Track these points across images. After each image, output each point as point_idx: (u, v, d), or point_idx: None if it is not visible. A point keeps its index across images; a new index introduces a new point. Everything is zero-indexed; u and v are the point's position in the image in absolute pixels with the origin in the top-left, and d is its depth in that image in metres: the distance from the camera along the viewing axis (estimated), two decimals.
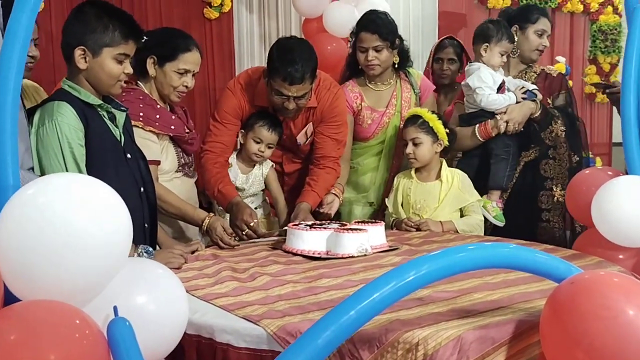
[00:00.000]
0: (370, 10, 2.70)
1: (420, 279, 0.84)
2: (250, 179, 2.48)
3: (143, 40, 2.13)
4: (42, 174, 1.64)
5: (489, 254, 0.90)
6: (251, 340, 1.17)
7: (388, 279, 0.82)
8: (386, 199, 2.54)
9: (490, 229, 2.47)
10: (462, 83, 2.64)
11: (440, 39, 3.28)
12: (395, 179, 2.53)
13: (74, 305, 0.97)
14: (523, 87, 2.54)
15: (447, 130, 2.42)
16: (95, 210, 0.98)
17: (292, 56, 2.18)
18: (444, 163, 2.45)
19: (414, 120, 2.44)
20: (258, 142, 2.40)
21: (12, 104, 1.06)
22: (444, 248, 1.88)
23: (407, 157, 2.43)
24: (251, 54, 4.40)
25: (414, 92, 2.69)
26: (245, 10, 4.35)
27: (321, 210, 2.44)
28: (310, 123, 2.47)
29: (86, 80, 1.73)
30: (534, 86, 2.57)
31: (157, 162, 2.10)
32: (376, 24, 2.52)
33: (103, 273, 0.99)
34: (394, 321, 1.12)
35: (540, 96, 2.54)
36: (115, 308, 1.00)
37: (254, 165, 2.48)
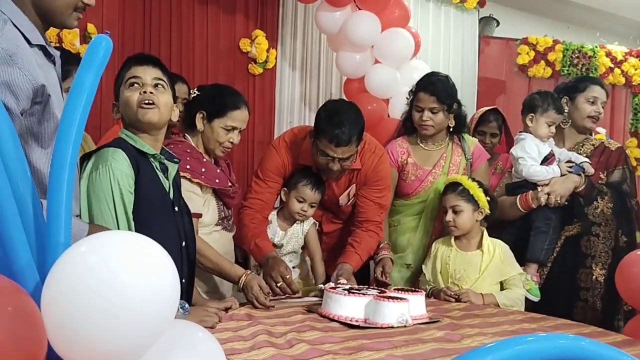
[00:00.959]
0: (432, 72, 2.74)
1: None
2: (289, 235, 2.45)
3: (194, 95, 2.19)
4: (91, 217, 1.65)
5: (557, 346, 0.85)
6: None
7: None
8: (423, 266, 2.47)
9: (532, 304, 2.37)
10: (510, 152, 2.62)
11: (483, 110, 3.26)
12: (434, 245, 2.47)
13: None
14: (570, 161, 2.48)
15: (488, 198, 2.38)
16: (146, 272, 0.96)
17: (339, 118, 2.19)
18: (485, 232, 2.40)
19: (453, 187, 2.40)
20: (301, 202, 2.39)
21: (71, 163, 1.06)
22: (486, 322, 1.84)
23: (447, 225, 2.38)
24: (291, 111, 4.48)
25: (465, 157, 2.64)
26: (288, 67, 4.45)
27: (380, 278, 2.43)
28: (354, 185, 2.45)
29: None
30: (584, 159, 2.51)
31: (199, 215, 2.10)
32: (435, 87, 2.52)
33: (149, 336, 0.96)
34: None
35: (590, 170, 2.47)
36: None
37: (294, 222, 2.46)
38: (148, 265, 0.97)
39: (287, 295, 2.13)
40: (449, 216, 2.36)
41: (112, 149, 1.70)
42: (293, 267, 2.40)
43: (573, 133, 2.65)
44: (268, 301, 2.01)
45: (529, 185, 2.49)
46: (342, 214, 2.57)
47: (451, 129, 2.62)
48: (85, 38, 3.62)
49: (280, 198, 2.48)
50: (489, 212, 2.37)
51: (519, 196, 2.49)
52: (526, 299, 2.37)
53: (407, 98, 2.66)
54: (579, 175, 2.45)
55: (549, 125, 2.51)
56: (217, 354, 1.11)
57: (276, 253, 2.31)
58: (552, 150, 2.52)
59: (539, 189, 2.44)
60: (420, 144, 2.65)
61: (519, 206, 2.48)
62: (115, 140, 1.77)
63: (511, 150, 2.57)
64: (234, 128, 2.16)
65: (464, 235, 2.39)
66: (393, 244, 2.66)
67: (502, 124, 3.15)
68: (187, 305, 1.71)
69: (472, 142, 2.71)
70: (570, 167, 2.46)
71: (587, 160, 2.50)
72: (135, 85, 1.74)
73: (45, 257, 1.03)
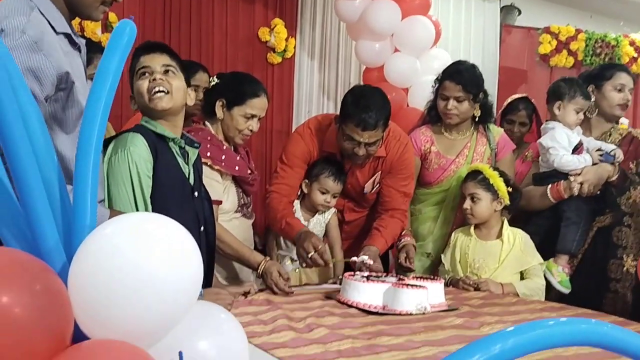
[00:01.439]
0: (459, 61, 2.70)
1: (507, 352, 0.79)
2: (311, 225, 2.47)
3: (214, 83, 2.20)
4: (110, 200, 1.68)
5: (580, 330, 0.84)
6: None
7: (473, 350, 0.78)
8: (442, 255, 2.47)
9: (559, 295, 2.35)
10: (538, 142, 2.57)
11: (513, 98, 3.17)
12: (453, 234, 2.47)
13: (140, 346, 0.95)
14: (600, 149, 2.43)
15: (510, 189, 2.35)
16: (170, 254, 0.97)
17: (366, 102, 2.19)
18: (506, 222, 2.38)
19: (474, 175, 2.39)
20: (324, 193, 2.40)
21: (96, 147, 1.07)
22: (505, 311, 1.83)
23: (464, 213, 2.37)
24: (309, 100, 4.47)
25: (490, 147, 2.62)
26: (307, 57, 4.44)
27: (405, 264, 2.41)
28: (378, 173, 2.45)
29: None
30: (614, 146, 2.44)
31: (219, 202, 2.12)
32: (462, 75, 2.50)
33: (172, 316, 0.98)
34: None
35: (621, 157, 2.40)
36: (180, 353, 0.98)
37: (316, 212, 2.47)
38: (172, 246, 0.99)
39: (305, 283, 2.14)
40: (467, 204, 2.35)
41: (131, 134, 1.72)
42: None
43: (600, 122, 2.59)
44: (287, 287, 2.02)
45: (559, 175, 2.43)
46: (365, 203, 2.56)
47: (477, 119, 2.60)
48: (106, 27, 3.66)
49: (302, 189, 2.48)
50: (508, 202, 2.35)
51: (549, 186, 2.44)
52: (555, 289, 2.35)
53: (432, 86, 2.64)
54: (611, 164, 2.39)
55: (577, 112, 2.46)
56: (239, 335, 1.12)
57: (307, 228, 2.32)
58: (581, 139, 2.47)
59: (571, 178, 2.38)
60: (445, 133, 2.64)
61: (550, 196, 2.43)
62: (136, 126, 1.80)
63: (539, 140, 2.52)
64: (253, 116, 2.17)
65: (484, 225, 2.38)
66: (414, 233, 2.65)
67: (532, 113, 3.07)
68: (201, 290, 1.73)
69: (497, 132, 2.67)
70: (601, 155, 2.40)
71: (616, 147, 2.43)
72: (146, 74, 1.76)
73: (71, 238, 1.05)
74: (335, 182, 2.38)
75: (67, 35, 1.48)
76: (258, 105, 2.17)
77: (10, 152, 0.99)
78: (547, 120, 2.57)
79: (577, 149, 2.44)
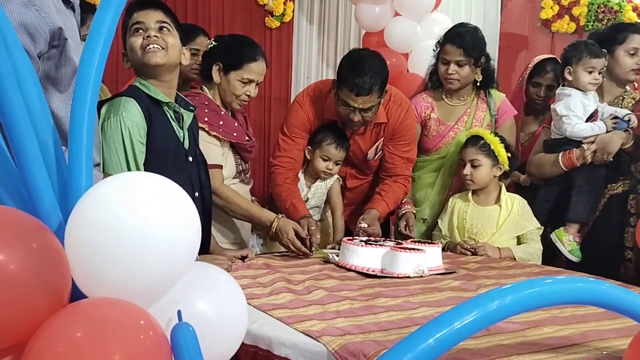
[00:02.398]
0: (461, 23, 2.64)
1: (504, 309, 0.79)
2: (312, 190, 2.47)
3: (211, 45, 2.16)
4: (102, 165, 1.66)
5: (577, 288, 0.84)
6: (310, 357, 1.14)
7: (470, 307, 0.78)
8: (439, 220, 2.47)
9: (568, 263, 2.33)
10: (551, 107, 2.49)
11: (539, 58, 2.97)
12: (450, 200, 2.46)
13: (139, 305, 0.96)
14: (614, 115, 2.35)
15: (509, 155, 2.34)
16: (167, 211, 0.97)
17: (361, 66, 2.15)
18: (503, 187, 2.38)
19: (475, 141, 2.37)
20: (326, 160, 2.39)
21: (91, 105, 1.06)
22: (502, 274, 1.84)
23: (464, 178, 2.36)
24: (309, 65, 4.42)
25: (490, 113, 2.59)
26: (305, 21, 4.37)
27: (405, 232, 2.42)
28: (381, 139, 2.44)
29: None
30: (627, 111, 2.36)
31: (220, 166, 2.10)
32: (463, 39, 2.44)
33: (170, 274, 0.98)
34: (461, 350, 1.06)
35: (635, 123, 2.32)
36: (179, 312, 0.98)
37: (318, 178, 2.47)
38: (169, 206, 0.98)
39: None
40: (467, 169, 2.34)
41: (125, 98, 1.69)
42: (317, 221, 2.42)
43: (612, 87, 2.49)
44: (305, 247, 2.01)
45: (572, 142, 2.37)
46: (368, 169, 2.55)
47: (478, 84, 2.56)
48: None
49: (305, 155, 2.47)
50: (507, 168, 2.35)
51: (561, 154, 2.38)
52: (563, 257, 2.34)
53: (433, 50, 2.59)
54: (626, 131, 2.31)
55: (590, 72, 2.35)
56: (237, 296, 1.12)
57: (310, 215, 2.31)
58: (597, 107, 2.39)
59: (585, 146, 2.32)
60: (445, 99, 2.60)
61: (562, 164, 2.37)
62: (129, 89, 1.77)
63: (553, 106, 2.45)
64: (250, 81, 2.12)
65: (482, 190, 2.37)
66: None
67: (561, 75, 2.81)
68: (197, 255, 1.73)
69: (498, 97, 2.63)
70: (615, 122, 2.32)
71: (631, 112, 2.35)
72: (140, 30, 1.72)
73: (67, 198, 1.04)
74: (338, 149, 2.36)
75: None
76: (256, 69, 2.13)
77: (4, 113, 0.98)
78: (562, 85, 2.48)
79: (592, 117, 2.36)
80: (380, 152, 2.47)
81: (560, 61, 2.60)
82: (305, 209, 2.31)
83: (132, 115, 1.67)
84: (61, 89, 1.42)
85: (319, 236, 2.19)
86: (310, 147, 2.41)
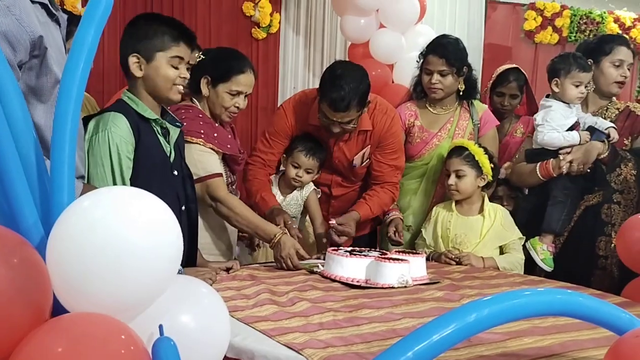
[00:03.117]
0: (443, 35, 2.69)
1: (482, 322, 0.80)
2: (288, 200, 2.47)
3: (199, 59, 2.16)
4: (89, 179, 1.66)
5: (555, 300, 0.86)
6: None
7: (448, 320, 0.79)
8: (423, 229, 2.48)
9: (544, 273, 2.35)
10: (533, 117, 2.52)
11: (502, 68, 3.00)
12: (434, 209, 2.48)
13: (120, 320, 0.96)
14: (591, 127, 2.36)
15: (492, 165, 2.37)
16: (149, 226, 0.97)
17: (340, 82, 2.15)
18: (486, 197, 2.40)
19: (459, 151, 2.39)
20: (296, 167, 2.41)
21: (73, 119, 1.06)
22: (486, 284, 1.86)
23: (449, 189, 2.38)
24: (295, 76, 4.44)
25: (472, 122, 2.62)
26: (292, 32, 4.40)
27: (395, 238, 2.46)
28: (368, 147, 2.46)
29: (145, 90, 1.77)
30: (610, 124, 2.36)
31: (221, 174, 2.11)
32: (445, 49, 2.49)
33: (152, 289, 0.98)
34: None
35: (616, 137, 2.33)
36: (160, 327, 0.98)
37: (294, 189, 2.48)
38: (151, 221, 0.98)
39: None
40: (452, 180, 2.36)
41: (113, 114, 1.70)
42: None
43: (596, 98, 2.50)
44: (300, 265, 2.02)
45: (550, 152, 2.39)
46: (354, 176, 2.56)
47: (461, 93, 2.60)
48: (86, 0, 3.59)
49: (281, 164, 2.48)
50: (491, 179, 2.37)
51: (538, 164, 2.40)
52: (539, 267, 2.36)
53: (417, 61, 2.63)
54: (602, 141, 2.32)
55: (577, 86, 2.37)
56: (220, 309, 1.12)
57: (280, 205, 2.33)
58: (578, 120, 2.39)
59: (561, 157, 2.34)
60: (429, 108, 2.64)
61: (539, 174, 2.39)
62: (118, 104, 1.77)
63: (535, 115, 2.48)
64: (239, 93, 2.12)
65: (465, 200, 2.39)
66: None
67: (523, 84, 2.95)
68: (181, 269, 1.73)
69: (481, 107, 2.68)
70: (591, 133, 2.33)
71: (612, 125, 2.37)
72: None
73: (49, 213, 1.04)
74: (307, 157, 2.38)
75: (43, 6, 1.45)
76: (244, 81, 2.13)
77: None
78: (546, 96, 2.49)
79: (573, 129, 2.37)
80: (368, 160, 2.48)
81: (521, 71, 2.68)
82: (274, 200, 2.34)
83: (120, 130, 1.68)
84: (43, 99, 1.41)
85: (296, 228, 2.24)
86: (285, 155, 2.44)
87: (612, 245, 2.31)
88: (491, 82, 3.00)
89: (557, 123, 2.37)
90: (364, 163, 2.49)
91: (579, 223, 2.42)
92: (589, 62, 2.41)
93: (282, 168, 2.54)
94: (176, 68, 1.75)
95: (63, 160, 1.05)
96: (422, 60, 2.58)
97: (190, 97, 2.20)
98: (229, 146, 2.17)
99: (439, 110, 2.63)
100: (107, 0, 1.13)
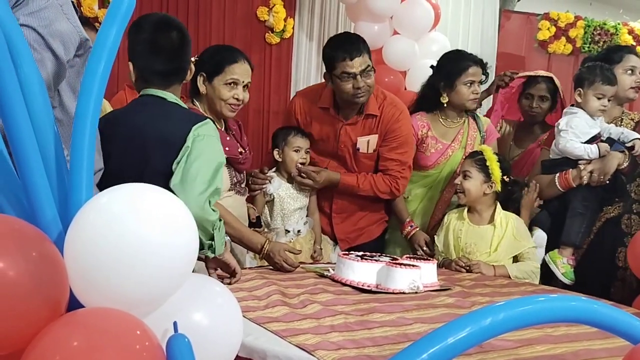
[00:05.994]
0: (458, 50, 2.79)
1: (498, 326, 0.80)
2: (295, 186, 2.50)
3: (195, 61, 2.17)
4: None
5: (570, 307, 0.85)
6: None
7: (463, 323, 0.79)
8: (435, 236, 2.48)
9: (563, 285, 2.31)
10: (556, 123, 2.47)
11: (532, 73, 2.94)
12: (446, 216, 2.47)
13: (135, 315, 0.96)
14: (609, 138, 2.34)
15: (507, 179, 2.35)
16: (165, 224, 0.98)
17: (343, 37, 2.49)
18: (499, 206, 2.37)
19: (474, 154, 2.42)
20: (298, 150, 2.46)
21: (93, 118, 1.07)
22: (497, 292, 1.85)
23: (455, 188, 2.40)
24: (307, 81, 4.44)
25: (480, 134, 2.68)
26: (305, 37, 4.41)
27: (425, 249, 2.53)
28: (375, 136, 2.50)
29: None
30: (635, 134, 2.32)
31: None
32: (477, 59, 2.58)
33: (168, 285, 0.99)
34: None
35: (639, 149, 2.29)
36: (175, 323, 0.98)
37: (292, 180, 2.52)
38: (167, 218, 0.99)
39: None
40: (458, 179, 2.37)
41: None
42: (298, 232, 2.47)
43: (611, 107, 2.45)
44: (297, 263, 2.05)
45: (570, 163, 2.35)
46: (357, 165, 2.56)
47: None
48: (103, 2, 3.62)
49: (274, 159, 2.51)
50: (499, 189, 2.33)
51: (557, 174, 2.37)
52: (557, 279, 2.33)
53: (431, 77, 2.65)
54: (622, 152, 2.30)
55: (599, 98, 2.35)
56: (233, 308, 1.13)
57: None
58: (600, 132, 2.37)
59: (581, 166, 2.31)
60: (440, 120, 2.66)
61: (558, 185, 2.36)
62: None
63: (558, 121, 2.44)
64: (235, 83, 2.11)
65: (476, 209, 2.38)
66: None
67: (553, 87, 2.83)
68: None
69: (485, 120, 2.75)
70: (611, 145, 2.31)
71: (638, 136, 2.30)
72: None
73: (68, 208, 1.05)
74: (302, 137, 2.48)
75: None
76: (238, 70, 2.11)
77: (9, 125, 0.99)
78: (571, 105, 2.47)
79: (594, 140, 2.35)
80: (374, 152, 2.52)
81: (553, 78, 2.67)
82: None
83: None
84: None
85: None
86: (278, 149, 2.48)
87: None
88: (520, 88, 2.92)
89: (581, 130, 2.34)
90: (369, 152, 2.51)
91: (597, 236, 2.38)
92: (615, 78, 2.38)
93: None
94: None
95: (82, 157, 1.06)
96: (456, 72, 2.55)
97: (191, 99, 2.20)
98: (227, 148, 2.17)
99: (449, 123, 2.66)
100: (129, 2, 1.14)
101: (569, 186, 2.35)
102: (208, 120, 1.77)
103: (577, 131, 2.34)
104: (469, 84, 2.54)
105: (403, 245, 2.66)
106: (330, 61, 2.38)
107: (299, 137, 2.46)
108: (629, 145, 2.31)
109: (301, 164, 2.46)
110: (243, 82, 2.13)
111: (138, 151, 1.73)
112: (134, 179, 1.08)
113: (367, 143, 2.50)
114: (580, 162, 2.34)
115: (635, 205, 2.33)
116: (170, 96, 1.80)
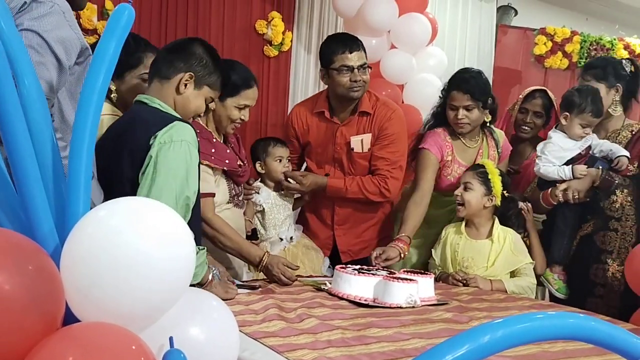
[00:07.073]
0: (465, 69, 2.66)
1: (496, 343, 0.79)
2: (282, 195, 2.53)
3: None
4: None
5: (568, 324, 0.85)
6: None
7: (461, 341, 0.78)
8: (433, 250, 2.47)
9: (550, 299, 2.36)
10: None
11: (531, 89, 2.94)
12: (444, 230, 2.47)
13: (131, 330, 0.96)
14: (593, 156, 2.38)
15: (506, 194, 2.35)
16: (163, 238, 0.98)
17: (342, 34, 2.61)
18: (497, 221, 2.37)
19: (476, 167, 2.42)
20: (280, 160, 2.49)
21: (91, 130, 1.07)
22: (494, 307, 1.85)
23: (455, 199, 2.39)
24: (305, 94, 4.45)
25: (497, 151, 2.60)
26: (303, 50, 4.43)
27: (375, 262, 2.24)
28: (368, 135, 2.52)
29: None
30: (624, 152, 2.33)
31: (213, 195, 2.11)
32: (469, 84, 2.44)
33: (164, 300, 0.98)
34: None
35: (623, 167, 2.30)
36: (171, 338, 0.98)
37: (280, 189, 2.54)
38: (165, 232, 0.99)
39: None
40: (459, 191, 2.36)
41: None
42: (295, 230, 2.52)
43: (611, 120, 2.47)
44: (294, 276, 2.05)
45: (558, 180, 2.39)
46: (353, 167, 2.57)
47: (488, 125, 2.57)
48: (102, 14, 3.63)
49: (257, 172, 2.53)
50: (498, 203, 2.34)
51: (542, 192, 2.44)
52: (552, 295, 2.39)
53: (440, 96, 2.59)
54: (598, 168, 2.32)
55: (583, 127, 2.39)
56: (230, 322, 1.12)
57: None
58: (581, 153, 2.40)
59: (557, 185, 2.37)
60: (461, 139, 2.58)
61: (542, 202, 2.43)
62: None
63: (537, 145, 2.51)
64: (246, 106, 2.19)
65: (474, 223, 2.38)
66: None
67: (548, 104, 2.83)
68: (217, 273, 1.80)
69: (500, 134, 2.67)
70: (585, 171, 2.33)
71: (626, 154, 2.32)
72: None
73: (65, 222, 1.05)
74: (283, 146, 2.52)
75: None
76: (252, 95, 2.20)
77: (8, 140, 0.99)
78: (555, 126, 2.51)
79: (577, 161, 2.39)
80: (368, 151, 2.53)
81: (548, 93, 2.70)
82: None
83: None
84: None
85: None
86: (260, 161, 2.50)
87: (610, 273, 2.30)
88: (519, 103, 2.91)
89: (555, 156, 2.40)
90: (364, 151, 2.52)
91: (576, 253, 2.43)
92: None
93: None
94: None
95: (80, 171, 1.06)
96: (444, 96, 2.54)
97: None
98: (227, 161, 2.18)
99: (469, 142, 2.58)
100: (129, 14, 1.14)
101: (550, 204, 2.42)
102: (177, 123, 1.68)
103: (550, 157, 2.41)
104: (451, 108, 2.49)
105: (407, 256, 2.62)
106: (329, 55, 2.44)
107: (279, 147, 2.50)
108: (606, 161, 2.34)
109: (284, 173, 2.49)
110: (251, 105, 2.23)
111: (111, 159, 1.71)
112: (104, 186, 1.08)
113: (360, 142, 2.51)
114: (557, 181, 2.39)
115: (611, 222, 2.33)
116: (154, 101, 1.76)
